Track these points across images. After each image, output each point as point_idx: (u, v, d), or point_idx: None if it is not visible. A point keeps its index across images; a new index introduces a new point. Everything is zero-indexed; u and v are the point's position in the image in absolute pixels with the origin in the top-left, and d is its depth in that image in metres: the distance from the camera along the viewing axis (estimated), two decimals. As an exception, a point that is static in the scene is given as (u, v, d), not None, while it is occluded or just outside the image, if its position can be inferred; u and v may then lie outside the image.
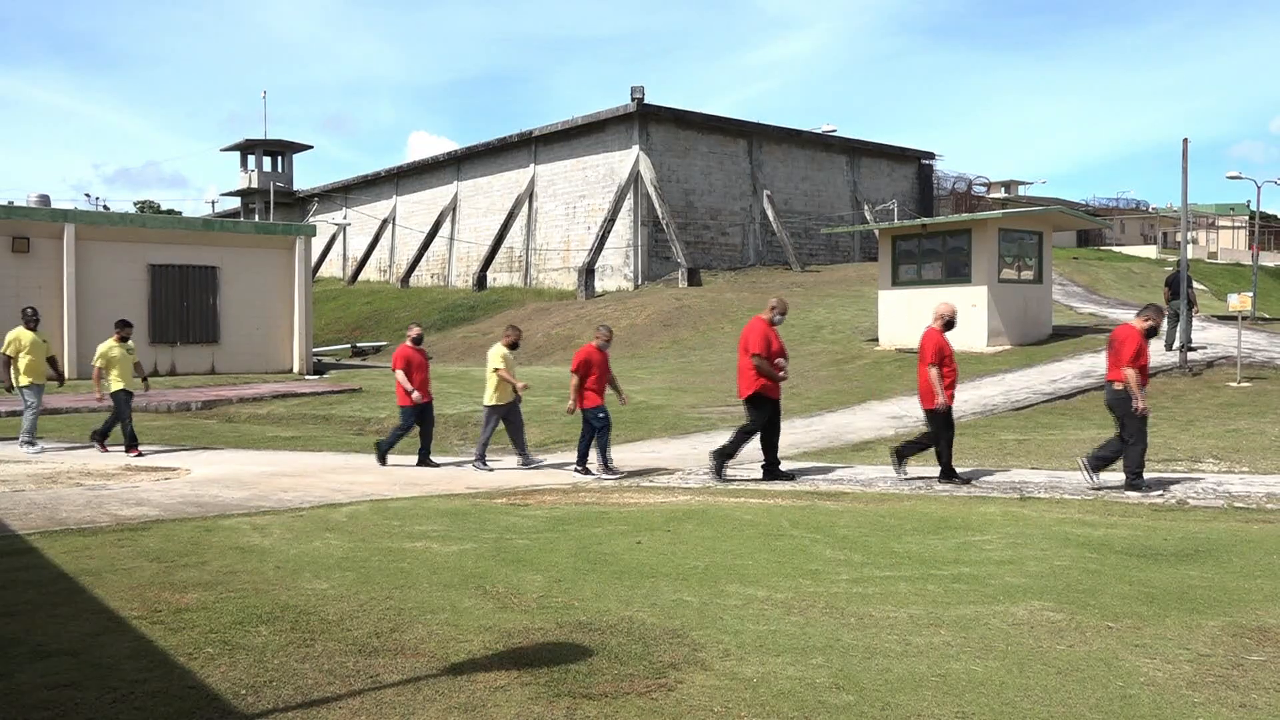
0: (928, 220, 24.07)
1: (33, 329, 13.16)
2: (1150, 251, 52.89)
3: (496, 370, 11.77)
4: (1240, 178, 43.90)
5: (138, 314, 22.82)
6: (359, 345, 37.98)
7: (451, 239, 52.15)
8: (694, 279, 38.90)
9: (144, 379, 13.47)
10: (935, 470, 10.31)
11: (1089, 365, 18.69)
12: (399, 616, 5.18)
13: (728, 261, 43.79)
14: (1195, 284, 21.42)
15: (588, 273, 40.66)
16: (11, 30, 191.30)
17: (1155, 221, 72.88)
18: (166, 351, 23.34)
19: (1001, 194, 67.89)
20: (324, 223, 56.88)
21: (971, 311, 21.37)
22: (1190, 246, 33.75)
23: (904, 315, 22.13)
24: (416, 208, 55.63)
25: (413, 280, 53.24)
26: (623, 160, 42.25)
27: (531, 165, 47.24)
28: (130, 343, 13.16)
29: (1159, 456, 11.25)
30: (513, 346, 12.03)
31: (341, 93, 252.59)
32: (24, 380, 12.94)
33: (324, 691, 4.11)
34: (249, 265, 24.66)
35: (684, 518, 8.12)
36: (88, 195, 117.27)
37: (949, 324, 10.27)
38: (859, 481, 10.26)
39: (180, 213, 73.10)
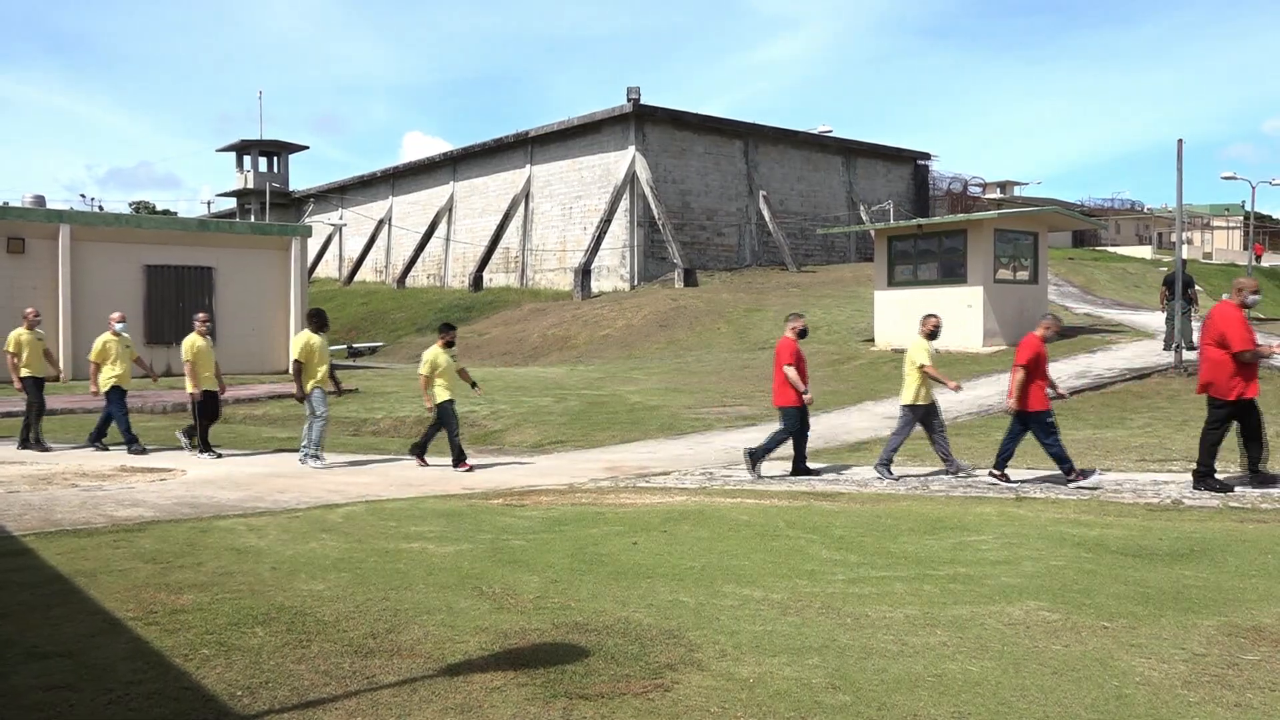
0: (923, 221, 24.10)
1: (320, 332, 11.91)
2: (1145, 252, 53.04)
3: (922, 367, 10.29)
4: (1235, 178, 44.17)
5: (133, 314, 22.80)
6: (355, 346, 37.93)
7: (447, 240, 52.10)
8: (690, 279, 38.91)
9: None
10: (923, 470, 10.32)
11: (1084, 365, 18.74)
12: (395, 617, 5.17)
13: (724, 262, 43.80)
14: (1196, 284, 21.46)
15: (584, 273, 40.65)
16: (5, 30, 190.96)
17: (1150, 222, 73.07)
18: (162, 352, 23.27)
19: (997, 194, 67.94)
20: (320, 223, 56.84)
21: (967, 312, 21.43)
22: (1185, 247, 33.75)
23: (900, 316, 22.13)
24: (412, 208, 55.57)
25: (409, 281, 53.19)
26: (619, 161, 42.24)
27: (527, 166, 47.22)
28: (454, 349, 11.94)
29: (1154, 456, 11.29)
30: (932, 335, 10.56)
31: (336, 93, 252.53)
32: (311, 387, 11.75)
33: (320, 692, 4.10)
34: (245, 266, 24.63)
35: (680, 518, 8.12)
36: (83, 195, 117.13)
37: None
38: (855, 482, 10.28)
39: (175, 213, 72.99)
